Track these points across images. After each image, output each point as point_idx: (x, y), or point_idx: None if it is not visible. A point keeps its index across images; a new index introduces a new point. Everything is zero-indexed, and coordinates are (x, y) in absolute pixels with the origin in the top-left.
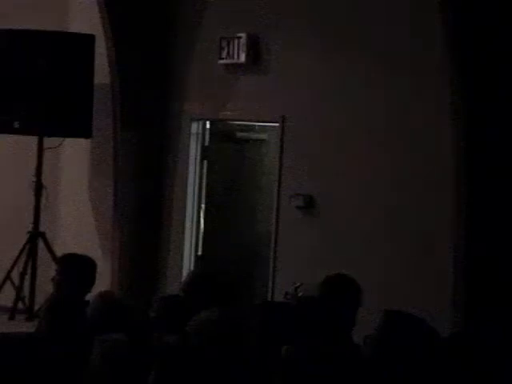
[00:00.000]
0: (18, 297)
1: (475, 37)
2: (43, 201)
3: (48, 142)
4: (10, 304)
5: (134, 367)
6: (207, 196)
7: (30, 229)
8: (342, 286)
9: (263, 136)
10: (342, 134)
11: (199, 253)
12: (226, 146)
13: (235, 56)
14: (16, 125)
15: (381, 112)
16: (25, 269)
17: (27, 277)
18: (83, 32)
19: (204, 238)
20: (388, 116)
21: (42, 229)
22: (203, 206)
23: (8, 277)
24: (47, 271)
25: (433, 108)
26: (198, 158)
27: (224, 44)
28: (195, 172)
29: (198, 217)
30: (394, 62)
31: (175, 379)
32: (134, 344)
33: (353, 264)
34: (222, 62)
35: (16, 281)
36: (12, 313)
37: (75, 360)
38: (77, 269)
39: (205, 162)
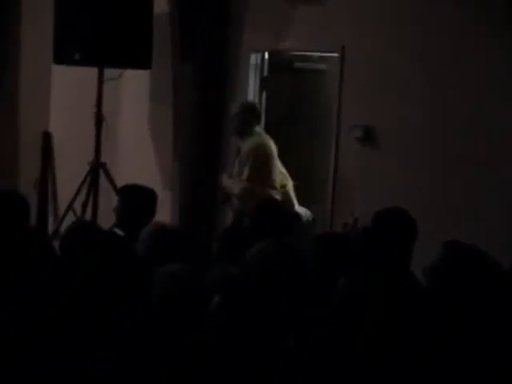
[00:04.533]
0: None
1: None
2: (104, 132)
3: (108, 73)
4: None
5: (193, 298)
6: (266, 126)
7: (91, 159)
8: (394, 218)
9: (322, 66)
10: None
11: None
12: (285, 76)
13: None
14: (76, 56)
15: (445, 52)
16: (87, 199)
17: (89, 207)
18: None
19: None
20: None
21: (102, 159)
22: None
23: (70, 207)
24: (109, 202)
25: None
26: (257, 88)
27: None
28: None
29: None
30: None
31: (235, 312)
32: (193, 275)
33: (411, 196)
34: None
35: (78, 211)
36: None
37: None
38: (138, 199)
39: (263, 92)
